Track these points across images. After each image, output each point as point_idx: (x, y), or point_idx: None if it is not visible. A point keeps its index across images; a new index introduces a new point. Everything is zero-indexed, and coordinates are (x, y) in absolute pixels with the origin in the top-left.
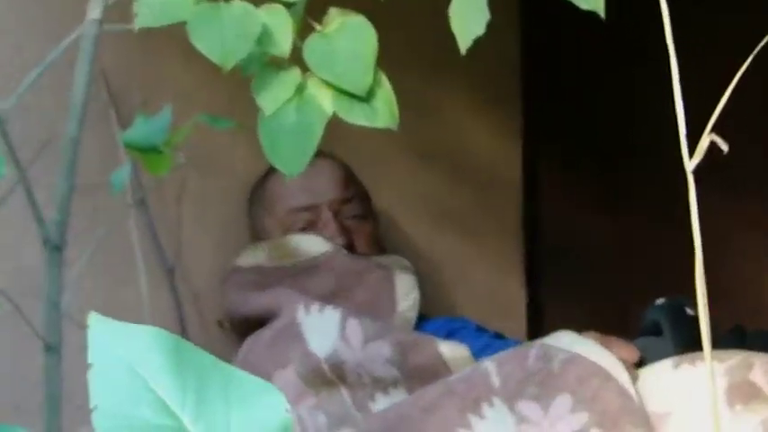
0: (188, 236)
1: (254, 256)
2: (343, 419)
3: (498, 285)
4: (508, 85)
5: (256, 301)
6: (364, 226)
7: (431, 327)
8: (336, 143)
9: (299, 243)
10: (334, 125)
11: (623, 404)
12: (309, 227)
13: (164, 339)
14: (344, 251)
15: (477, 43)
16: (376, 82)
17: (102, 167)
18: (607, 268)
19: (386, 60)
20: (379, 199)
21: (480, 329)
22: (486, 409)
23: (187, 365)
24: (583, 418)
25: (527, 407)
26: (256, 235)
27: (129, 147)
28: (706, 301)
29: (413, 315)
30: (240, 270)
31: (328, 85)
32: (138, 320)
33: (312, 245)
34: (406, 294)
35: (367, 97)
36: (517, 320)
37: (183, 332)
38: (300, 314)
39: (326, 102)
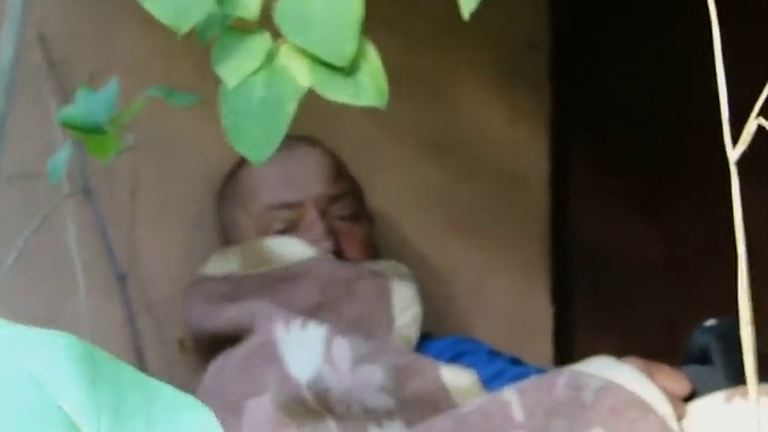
0: (144, 236)
1: (223, 264)
2: None
3: (520, 301)
4: (534, 64)
5: (226, 315)
6: (356, 228)
7: (435, 348)
8: (324, 128)
9: (277, 247)
10: (320, 105)
11: None
12: (291, 227)
13: (75, 348)
14: (331, 257)
15: (494, 12)
16: (361, 51)
17: (43, 153)
18: (651, 282)
19: (387, 33)
20: (376, 196)
21: (493, 353)
22: None
23: (102, 379)
24: None
25: None
26: (227, 236)
27: (69, 126)
28: (751, 318)
29: (413, 333)
30: (207, 279)
31: (304, 53)
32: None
33: (293, 249)
34: (405, 307)
35: (349, 69)
36: (542, 343)
37: (138, 352)
38: (279, 331)
39: (301, 74)
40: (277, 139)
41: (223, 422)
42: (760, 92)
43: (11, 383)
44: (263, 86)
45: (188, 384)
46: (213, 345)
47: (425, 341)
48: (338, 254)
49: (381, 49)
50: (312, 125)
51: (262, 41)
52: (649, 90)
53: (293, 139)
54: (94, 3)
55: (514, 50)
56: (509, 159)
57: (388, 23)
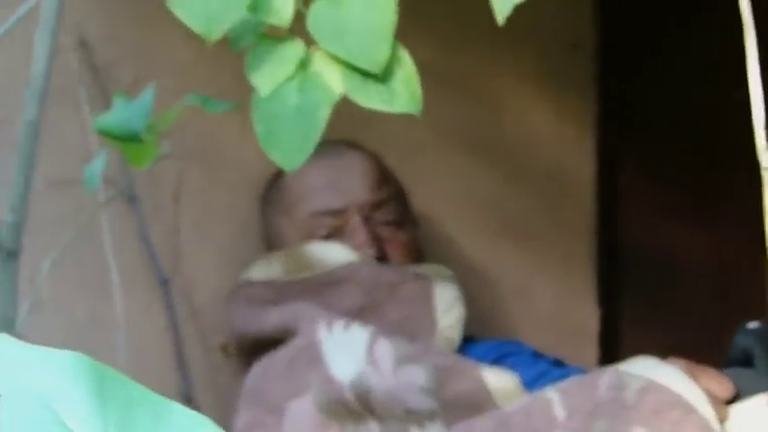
0: (187, 242)
1: (267, 269)
2: None
3: (566, 304)
4: (579, 64)
5: (270, 318)
6: (400, 233)
7: (478, 350)
8: (369, 133)
9: (320, 252)
10: (364, 110)
11: None
12: (334, 234)
13: (83, 366)
14: (374, 261)
15: (538, 13)
16: (394, 58)
17: (85, 158)
18: (697, 284)
19: (429, 35)
20: (421, 200)
21: (536, 355)
22: None
23: (110, 397)
24: None
25: None
26: (271, 241)
27: (105, 134)
28: None
29: (456, 334)
30: (251, 284)
31: (337, 60)
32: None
33: (336, 254)
34: (447, 309)
35: (383, 76)
36: (588, 346)
37: (180, 357)
38: (322, 332)
39: (335, 80)
40: (311, 146)
41: (265, 423)
42: None
43: (19, 402)
44: (297, 93)
45: (231, 390)
46: (257, 349)
47: (469, 344)
48: (382, 259)
49: (423, 52)
50: (357, 130)
51: (295, 48)
52: (696, 89)
53: (336, 145)
54: (136, 7)
55: (558, 51)
56: (555, 161)
57: (430, 26)
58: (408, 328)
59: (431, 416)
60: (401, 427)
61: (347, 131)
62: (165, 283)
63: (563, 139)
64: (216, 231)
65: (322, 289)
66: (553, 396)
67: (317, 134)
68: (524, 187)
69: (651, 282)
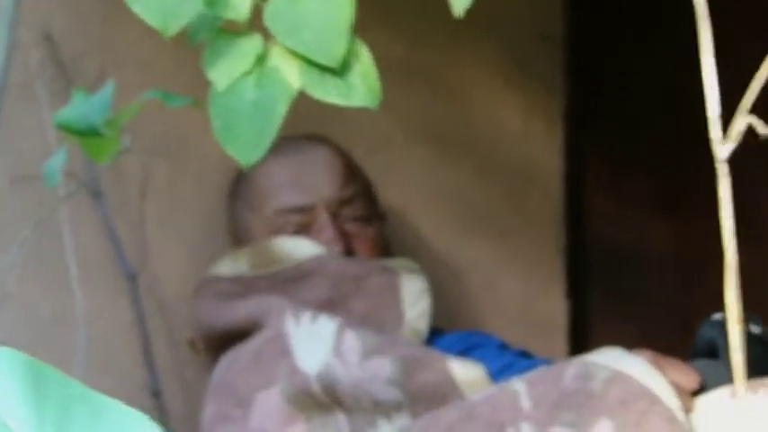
0: (154, 236)
1: (234, 264)
2: None
3: (534, 296)
4: (547, 57)
5: (237, 311)
6: (367, 229)
7: (445, 342)
8: (336, 127)
9: (286, 247)
10: (330, 105)
11: None
12: (302, 230)
13: (19, 364)
14: (341, 257)
15: (506, 4)
16: (352, 52)
17: (50, 154)
18: (665, 277)
19: (397, 29)
20: (389, 194)
21: (503, 347)
22: None
23: (48, 395)
24: None
25: None
26: (238, 236)
27: (64, 128)
28: (740, 317)
29: (423, 326)
30: (218, 280)
31: (294, 54)
32: (86, 338)
33: (302, 249)
34: (415, 301)
35: (340, 70)
36: (557, 338)
37: (147, 352)
38: (289, 325)
39: (292, 75)
40: (267, 141)
41: (232, 417)
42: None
43: None
44: (255, 88)
45: (199, 385)
46: (224, 343)
47: (436, 336)
48: (349, 255)
49: (390, 46)
50: (324, 125)
51: (252, 43)
52: (666, 83)
53: (303, 140)
54: (101, 2)
55: (527, 43)
56: (523, 153)
57: (396, 19)
58: (376, 320)
59: (397, 407)
60: (368, 418)
61: (314, 126)
62: (132, 278)
63: (531, 132)
64: (182, 225)
65: (289, 283)
66: (519, 387)
67: (273, 129)
68: (492, 180)
69: (619, 274)
